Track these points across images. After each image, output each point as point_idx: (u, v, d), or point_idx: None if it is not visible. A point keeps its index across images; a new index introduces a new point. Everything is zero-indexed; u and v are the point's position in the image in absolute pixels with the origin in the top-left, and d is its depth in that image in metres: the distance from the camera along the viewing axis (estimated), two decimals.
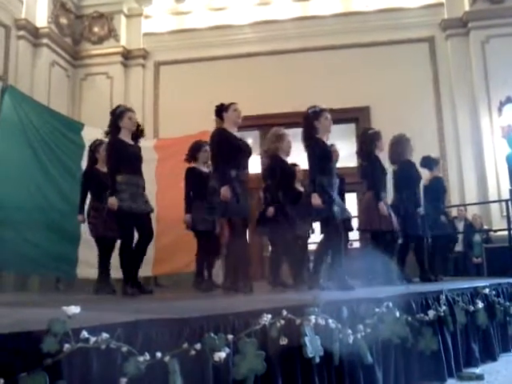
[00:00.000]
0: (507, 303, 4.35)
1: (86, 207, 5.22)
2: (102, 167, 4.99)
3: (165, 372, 1.76)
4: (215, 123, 4.61)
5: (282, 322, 2.25)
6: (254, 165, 5.27)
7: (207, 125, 6.31)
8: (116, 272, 4.82)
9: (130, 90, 9.92)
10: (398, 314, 2.89)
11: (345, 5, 9.77)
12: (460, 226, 8.00)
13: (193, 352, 1.87)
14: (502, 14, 8.79)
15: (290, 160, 5.22)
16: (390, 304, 2.90)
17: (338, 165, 4.83)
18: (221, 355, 1.91)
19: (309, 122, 4.35)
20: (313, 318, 2.36)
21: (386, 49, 9.30)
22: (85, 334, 1.58)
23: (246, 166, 4.34)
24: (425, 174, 6.01)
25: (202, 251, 5.25)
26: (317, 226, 5.21)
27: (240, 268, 4.22)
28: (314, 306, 2.42)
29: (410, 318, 3.02)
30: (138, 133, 4.65)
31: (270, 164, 5.03)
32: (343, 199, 5.09)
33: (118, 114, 4.49)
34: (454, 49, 9.14)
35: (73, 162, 6.18)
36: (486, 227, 8.23)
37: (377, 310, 2.82)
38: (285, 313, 2.29)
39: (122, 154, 4.36)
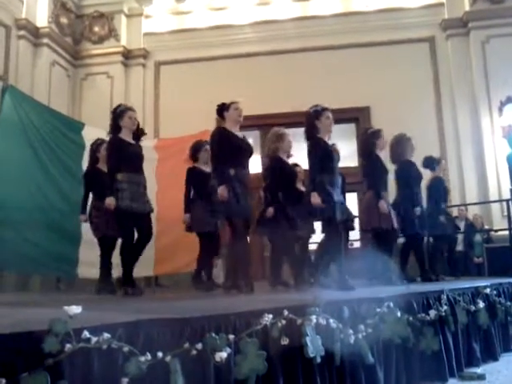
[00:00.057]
0: (508, 303, 4.35)
1: (88, 207, 5.22)
2: (104, 167, 4.98)
3: (166, 372, 1.75)
4: (216, 122, 4.61)
5: (283, 321, 2.24)
6: (255, 165, 5.26)
7: (208, 124, 6.33)
8: (118, 271, 4.81)
9: (131, 89, 9.93)
10: (399, 314, 2.89)
11: (345, 5, 9.77)
12: (461, 225, 7.98)
13: (194, 352, 1.87)
14: (503, 13, 8.80)
15: (291, 160, 5.22)
16: (391, 304, 2.89)
17: (338, 164, 4.82)
18: (222, 355, 1.91)
19: (310, 122, 4.35)
20: (314, 317, 2.36)
21: (386, 49, 9.30)
22: (86, 333, 1.58)
23: (246, 166, 4.32)
24: (427, 175, 6.03)
25: (205, 252, 5.25)
26: (318, 225, 5.23)
27: (240, 268, 4.22)
28: (315, 305, 2.42)
29: (411, 318, 3.02)
30: (138, 132, 4.64)
31: (270, 164, 5.03)
32: (344, 198, 5.08)
33: (118, 113, 4.49)
34: (455, 49, 9.15)
35: (73, 161, 6.18)
36: (486, 227, 8.23)
37: (378, 309, 2.81)
38: (286, 313, 2.28)
39: (122, 153, 4.36)
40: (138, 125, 4.64)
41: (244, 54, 9.63)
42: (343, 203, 4.22)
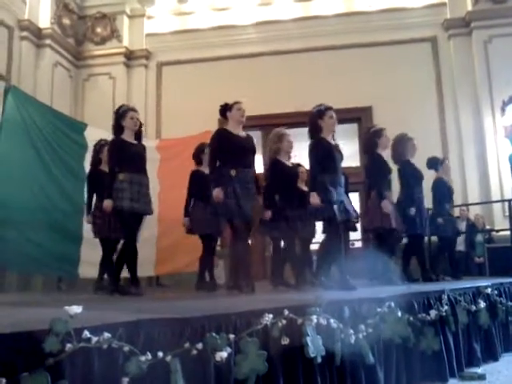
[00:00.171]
0: (509, 303, 4.35)
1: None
2: (106, 168, 5.00)
3: (166, 372, 1.76)
4: (218, 123, 4.61)
5: (284, 321, 2.24)
6: (258, 165, 5.26)
7: (210, 125, 6.34)
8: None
9: (133, 90, 9.94)
10: (399, 314, 2.89)
11: (347, 5, 9.77)
12: (462, 225, 7.98)
13: (194, 352, 1.87)
14: (505, 13, 8.79)
15: (293, 160, 5.22)
16: (392, 304, 2.89)
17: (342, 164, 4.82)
18: (222, 355, 1.91)
19: (313, 121, 4.35)
20: (314, 317, 2.36)
21: (388, 49, 9.29)
22: (87, 333, 1.58)
23: (248, 165, 4.28)
24: (432, 175, 6.04)
25: (207, 253, 5.26)
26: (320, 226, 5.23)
27: (241, 268, 4.22)
28: (316, 305, 2.42)
29: (411, 318, 3.02)
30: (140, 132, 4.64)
31: (269, 167, 5.03)
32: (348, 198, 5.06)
33: (120, 114, 4.49)
34: (457, 49, 9.13)
35: (75, 162, 6.20)
36: (488, 227, 8.22)
37: (378, 309, 2.81)
38: (286, 312, 2.29)
39: (123, 153, 4.36)
40: (141, 125, 4.64)
41: (246, 54, 9.63)
42: (343, 202, 4.19)
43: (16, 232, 5.43)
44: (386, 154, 5.28)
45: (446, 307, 3.34)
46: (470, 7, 9.04)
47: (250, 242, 4.57)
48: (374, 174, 5.09)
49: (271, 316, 2.21)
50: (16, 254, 5.41)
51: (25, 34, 8.80)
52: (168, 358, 1.77)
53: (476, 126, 8.75)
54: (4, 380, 1.38)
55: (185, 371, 1.80)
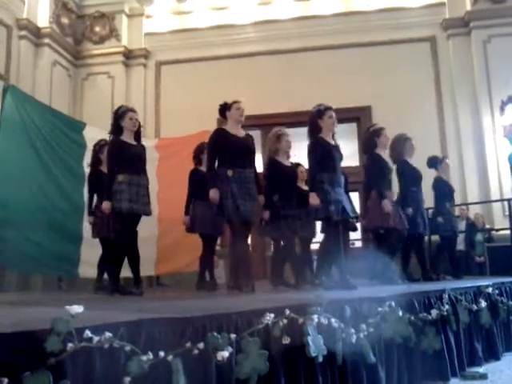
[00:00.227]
0: (510, 302, 4.35)
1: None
2: (106, 168, 4.99)
3: (168, 371, 1.75)
4: (217, 122, 4.60)
5: (285, 321, 2.24)
6: (258, 165, 5.25)
7: (209, 124, 6.33)
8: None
9: (132, 89, 9.92)
10: (400, 314, 2.89)
11: (346, 4, 9.76)
12: (462, 225, 7.99)
13: (196, 351, 1.87)
14: (504, 13, 8.78)
15: (292, 159, 5.21)
16: (393, 303, 2.89)
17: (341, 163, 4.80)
18: (224, 354, 1.91)
19: (313, 121, 4.35)
20: (315, 317, 2.36)
21: (387, 48, 9.28)
22: (88, 333, 1.57)
23: (247, 165, 4.26)
24: (433, 174, 6.06)
25: (208, 253, 5.25)
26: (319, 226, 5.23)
27: (241, 268, 4.22)
28: (317, 305, 2.42)
29: (412, 318, 3.02)
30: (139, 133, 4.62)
31: (266, 168, 5.02)
32: (348, 197, 5.05)
33: (119, 115, 4.48)
34: (456, 48, 9.13)
35: (74, 161, 6.20)
36: (488, 226, 8.22)
37: (379, 309, 2.81)
38: (287, 312, 2.28)
39: (122, 155, 4.35)
40: (139, 126, 4.62)
41: (245, 53, 9.61)
42: (341, 202, 4.18)
43: (15, 232, 5.43)
44: (387, 153, 5.28)
45: (447, 306, 3.34)
46: (468, 7, 9.04)
47: (249, 241, 4.57)
48: (373, 173, 5.08)
49: (272, 315, 2.20)
50: (15, 253, 5.40)
51: (23, 33, 8.78)
52: (169, 358, 1.77)
53: (475, 126, 8.74)
54: (6, 380, 1.38)
55: (186, 371, 1.80)
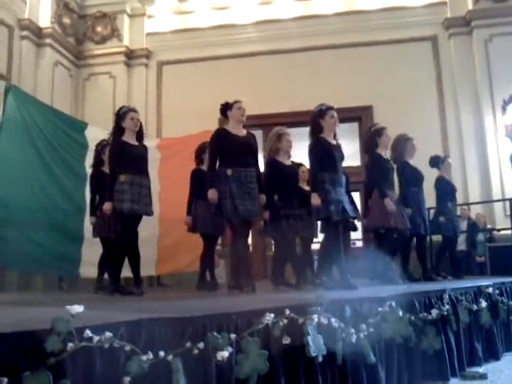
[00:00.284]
0: (510, 302, 4.34)
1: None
2: (108, 169, 4.99)
3: (168, 371, 1.76)
4: (218, 122, 4.60)
5: (285, 321, 2.24)
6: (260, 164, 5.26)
7: (210, 124, 6.34)
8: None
9: (133, 89, 9.93)
10: (400, 313, 2.89)
11: (347, 4, 9.75)
12: (463, 225, 7.98)
13: (196, 351, 1.87)
14: (506, 12, 8.77)
15: (294, 159, 5.20)
16: (393, 303, 2.89)
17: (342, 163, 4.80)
18: (224, 354, 1.91)
19: (314, 121, 4.35)
20: (315, 317, 2.36)
21: (388, 48, 9.28)
22: (88, 332, 1.58)
23: (247, 165, 4.24)
24: (435, 174, 6.06)
25: (208, 252, 5.26)
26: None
27: (242, 268, 4.22)
28: (317, 305, 2.42)
29: (413, 318, 3.02)
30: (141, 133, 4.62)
31: (266, 167, 5.01)
32: (349, 197, 5.04)
33: (120, 115, 4.47)
34: (457, 47, 9.11)
35: (76, 161, 6.20)
36: (489, 226, 8.21)
37: (380, 309, 2.81)
38: (287, 312, 2.28)
39: (123, 155, 4.35)
40: (141, 126, 4.62)
41: (246, 53, 9.61)
42: (341, 202, 4.17)
43: (17, 232, 5.43)
44: (388, 152, 5.28)
45: (447, 306, 3.34)
46: (470, 6, 9.02)
47: (249, 241, 4.57)
48: (374, 173, 5.08)
49: (272, 315, 2.21)
50: (17, 253, 5.41)
51: (25, 33, 8.78)
52: (169, 358, 1.77)
53: (477, 125, 8.73)
54: (6, 379, 1.38)
55: (186, 371, 1.80)
